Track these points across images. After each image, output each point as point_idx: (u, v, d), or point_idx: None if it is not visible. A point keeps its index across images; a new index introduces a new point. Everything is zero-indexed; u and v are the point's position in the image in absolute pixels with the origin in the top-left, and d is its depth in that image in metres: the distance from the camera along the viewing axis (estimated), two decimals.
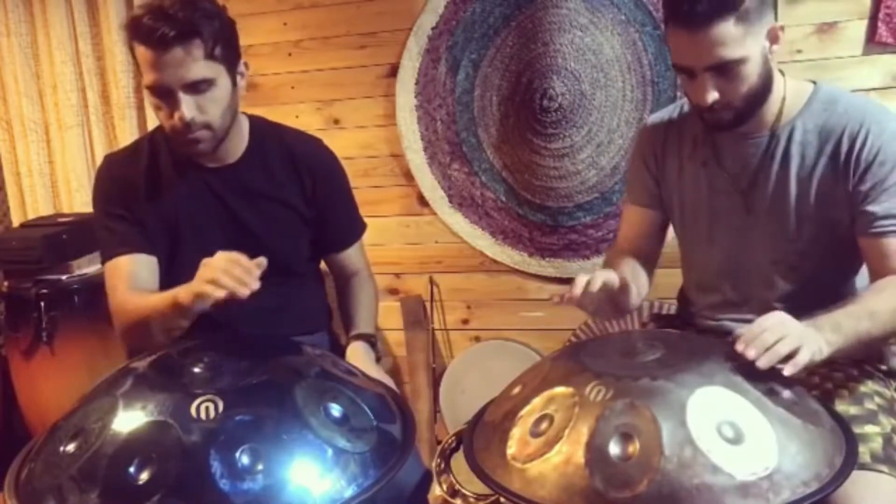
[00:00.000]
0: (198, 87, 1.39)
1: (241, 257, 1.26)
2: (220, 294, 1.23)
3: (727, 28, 1.24)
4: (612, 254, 1.61)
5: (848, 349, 1.18)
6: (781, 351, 1.06)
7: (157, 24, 1.34)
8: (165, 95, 1.39)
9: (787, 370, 1.05)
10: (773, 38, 1.31)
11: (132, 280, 1.51)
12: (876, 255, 1.33)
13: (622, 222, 1.64)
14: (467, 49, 2.49)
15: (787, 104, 1.38)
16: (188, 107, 1.39)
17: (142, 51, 1.38)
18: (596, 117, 2.41)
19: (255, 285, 1.23)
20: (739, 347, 1.07)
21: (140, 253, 1.53)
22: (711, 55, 1.26)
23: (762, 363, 1.05)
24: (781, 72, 1.40)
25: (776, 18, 1.33)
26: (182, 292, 1.32)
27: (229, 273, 1.24)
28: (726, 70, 1.27)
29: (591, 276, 1.25)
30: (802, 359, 1.07)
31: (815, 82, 1.41)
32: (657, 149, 1.54)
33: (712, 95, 1.29)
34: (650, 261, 1.57)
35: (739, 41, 1.25)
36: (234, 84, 1.47)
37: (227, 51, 1.44)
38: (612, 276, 1.29)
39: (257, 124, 1.61)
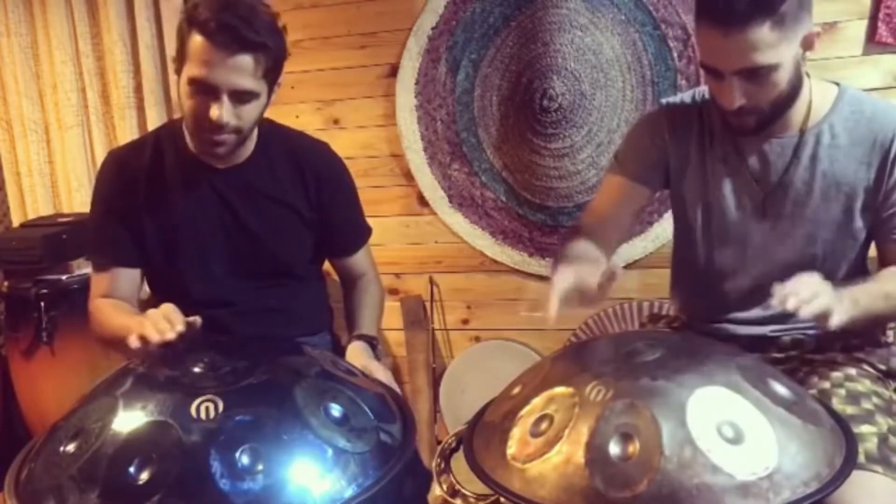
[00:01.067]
0: (243, 96, 1.39)
1: (173, 312, 1.26)
2: (135, 344, 1.22)
3: (762, 32, 1.19)
4: (580, 224, 1.53)
5: (860, 324, 1.21)
6: (816, 306, 1.10)
7: (233, 25, 1.33)
8: (207, 92, 1.37)
9: (833, 321, 1.10)
10: (807, 44, 1.27)
11: (108, 290, 1.56)
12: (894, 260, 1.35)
13: (602, 191, 1.55)
14: (467, 49, 2.49)
15: (814, 106, 1.36)
16: (227, 111, 1.38)
17: (202, 43, 1.34)
18: (596, 117, 2.41)
19: (169, 336, 1.21)
20: (776, 301, 1.10)
21: (119, 266, 1.56)
22: (743, 59, 1.22)
23: (804, 313, 1.09)
24: (807, 73, 1.36)
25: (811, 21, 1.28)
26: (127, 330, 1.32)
27: (154, 325, 1.23)
28: (756, 75, 1.24)
29: (560, 290, 1.16)
30: (836, 320, 1.11)
31: (838, 84, 1.39)
32: (672, 131, 1.47)
33: (739, 101, 1.26)
34: (623, 233, 1.55)
35: (773, 47, 1.21)
36: (269, 99, 1.48)
37: (276, 72, 1.45)
38: (580, 278, 1.18)
39: (265, 126, 1.60)
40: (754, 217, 1.42)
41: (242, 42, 1.34)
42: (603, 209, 1.52)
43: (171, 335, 1.21)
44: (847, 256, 1.40)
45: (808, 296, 1.10)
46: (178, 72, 1.42)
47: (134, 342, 1.22)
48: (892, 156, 1.32)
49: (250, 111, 1.43)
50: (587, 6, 2.34)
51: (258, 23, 1.36)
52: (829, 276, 1.37)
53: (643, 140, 1.51)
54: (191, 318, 1.27)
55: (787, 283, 1.12)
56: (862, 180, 1.34)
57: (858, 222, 1.36)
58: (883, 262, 1.38)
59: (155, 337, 1.21)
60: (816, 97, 1.36)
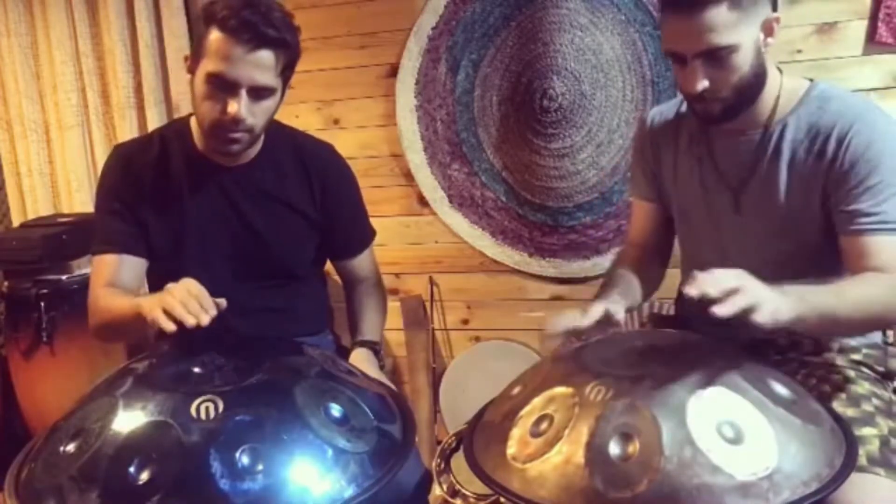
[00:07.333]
0: (261, 92, 1.41)
1: (201, 292, 1.22)
2: (170, 327, 1.17)
3: (720, 13, 1.23)
4: (622, 253, 1.65)
5: (812, 323, 1.12)
6: (739, 302, 0.99)
7: (256, 22, 1.35)
8: (226, 89, 1.38)
9: (763, 317, 1.00)
10: (767, 29, 1.30)
11: (112, 279, 1.52)
12: (854, 254, 1.31)
13: (631, 217, 1.66)
14: (467, 49, 2.49)
15: (781, 101, 1.37)
16: (246, 107, 1.39)
17: (223, 39, 1.36)
18: (596, 117, 2.41)
19: (205, 320, 1.17)
20: (692, 291, 1.00)
21: (126, 254, 1.53)
22: (703, 40, 1.25)
23: (722, 310, 0.98)
24: (779, 69, 1.39)
25: (775, 10, 1.32)
26: (145, 305, 1.26)
27: (185, 305, 1.19)
28: (717, 57, 1.26)
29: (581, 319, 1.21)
30: (762, 317, 1.00)
31: (811, 80, 1.40)
32: (653, 142, 1.54)
33: (702, 84, 1.29)
34: (662, 254, 1.59)
35: (732, 27, 1.24)
36: (280, 100, 1.49)
37: (290, 71, 1.47)
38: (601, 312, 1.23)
39: (271, 127, 1.60)
40: (728, 214, 1.44)
41: (263, 38, 1.36)
42: (633, 235, 1.63)
43: (205, 320, 1.16)
44: (822, 250, 1.38)
45: (729, 287, 1.00)
46: (192, 70, 1.43)
47: (166, 324, 1.16)
48: (844, 145, 1.30)
49: (266, 109, 1.44)
50: (587, 6, 2.34)
51: (277, 20, 1.38)
52: (807, 270, 1.35)
53: (637, 159, 1.59)
54: (218, 300, 1.23)
55: (704, 275, 1.02)
56: (821, 172, 1.34)
57: (819, 215, 1.36)
58: (844, 257, 1.33)
59: (189, 320, 1.15)
60: (785, 93, 1.38)
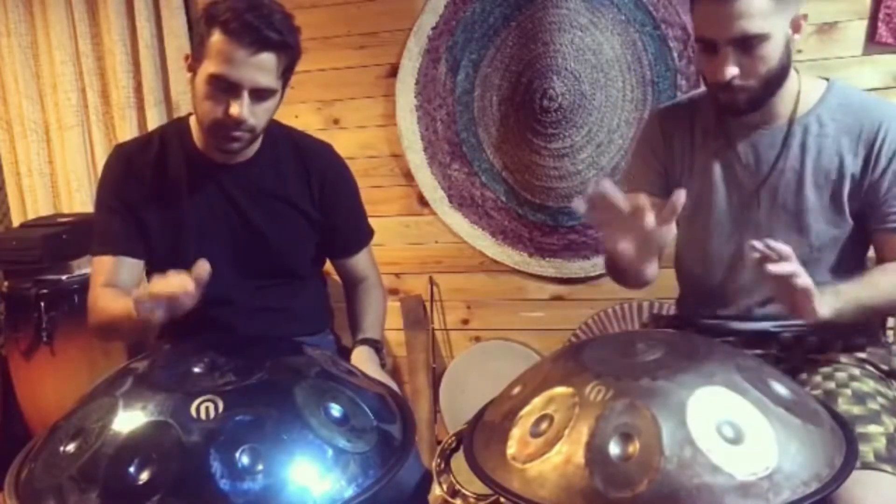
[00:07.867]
0: (262, 94, 1.42)
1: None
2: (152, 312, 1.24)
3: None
4: None
5: (849, 315, 1.23)
6: (788, 268, 1.15)
7: (259, 25, 1.36)
8: (228, 90, 1.39)
9: (820, 309, 1.16)
10: (795, 26, 1.32)
11: (111, 280, 1.53)
12: (890, 250, 1.37)
13: None
14: (467, 49, 2.49)
15: (802, 97, 1.40)
16: (247, 108, 1.40)
17: (225, 41, 1.36)
18: (596, 117, 2.41)
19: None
20: (756, 246, 1.16)
21: (124, 256, 1.54)
22: (736, 27, 1.26)
23: (776, 269, 1.14)
24: (795, 68, 1.41)
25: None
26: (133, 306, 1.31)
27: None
28: (748, 45, 1.28)
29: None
30: (823, 309, 1.16)
31: (827, 79, 1.43)
32: (665, 135, 1.53)
33: (732, 70, 1.30)
34: None
35: (765, 16, 1.26)
36: (281, 99, 1.50)
37: (290, 72, 1.48)
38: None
39: (271, 126, 1.60)
40: (748, 208, 1.44)
41: (266, 41, 1.37)
42: None
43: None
44: (839, 246, 1.41)
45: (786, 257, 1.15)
46: (193, 69, 1.43)
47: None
48: (877, 144, 1.35)
49: (267, 109, 1.45)
50: (587, 6, 2.34)
51: (279, 22, 1.39)
52: (823, 266, 1.41)
53: (644, 153, 1.57)
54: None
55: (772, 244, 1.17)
56: (849, 168, 1.37)
57: (846, 210, 1.39)
58: (877, 252, 1.41)
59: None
60: (805, 90, 1.40)
